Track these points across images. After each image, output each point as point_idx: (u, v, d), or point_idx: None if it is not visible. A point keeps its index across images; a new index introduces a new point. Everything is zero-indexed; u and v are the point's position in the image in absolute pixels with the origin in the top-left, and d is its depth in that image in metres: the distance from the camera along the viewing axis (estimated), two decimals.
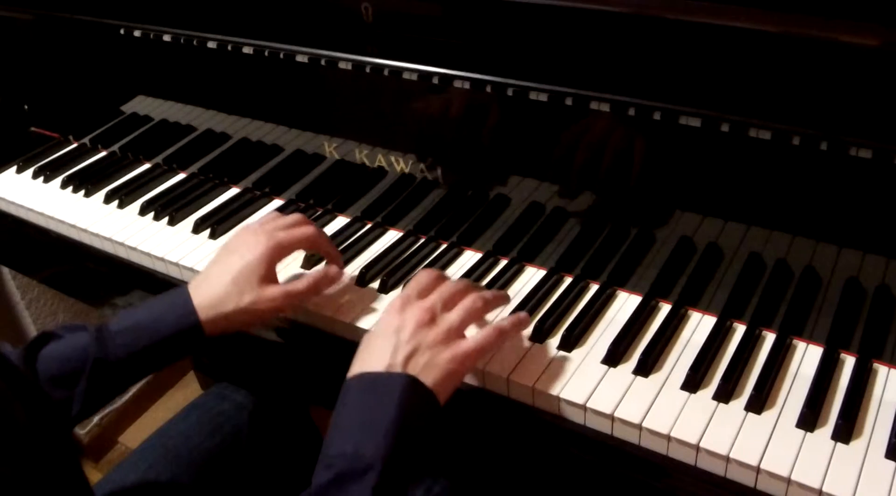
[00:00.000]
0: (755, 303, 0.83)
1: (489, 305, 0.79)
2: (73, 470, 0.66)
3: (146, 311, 0.82)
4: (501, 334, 0.76)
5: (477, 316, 0.77)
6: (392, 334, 0.73)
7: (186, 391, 1.90)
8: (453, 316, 0.75)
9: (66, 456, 0.67)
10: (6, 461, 0.54)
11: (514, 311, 0.87)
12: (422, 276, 0.80)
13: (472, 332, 0.76)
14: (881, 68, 0.67)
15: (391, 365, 0.70)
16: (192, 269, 1.00)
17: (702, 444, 0.71)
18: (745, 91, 0.74)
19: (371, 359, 0.72)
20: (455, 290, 0.78)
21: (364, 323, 0.88)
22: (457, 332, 0.74)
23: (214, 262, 0.86)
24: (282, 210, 1.10)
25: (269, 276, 0.84)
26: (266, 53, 0.98)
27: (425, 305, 0.75)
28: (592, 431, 0.76)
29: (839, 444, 0.70)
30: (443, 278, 0.81)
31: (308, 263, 0.98)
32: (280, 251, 0.85)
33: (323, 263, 0.96)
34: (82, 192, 1.18)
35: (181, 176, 1.21)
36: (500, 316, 0.87)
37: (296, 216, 0.90)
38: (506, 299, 0.83)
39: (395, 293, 0.92)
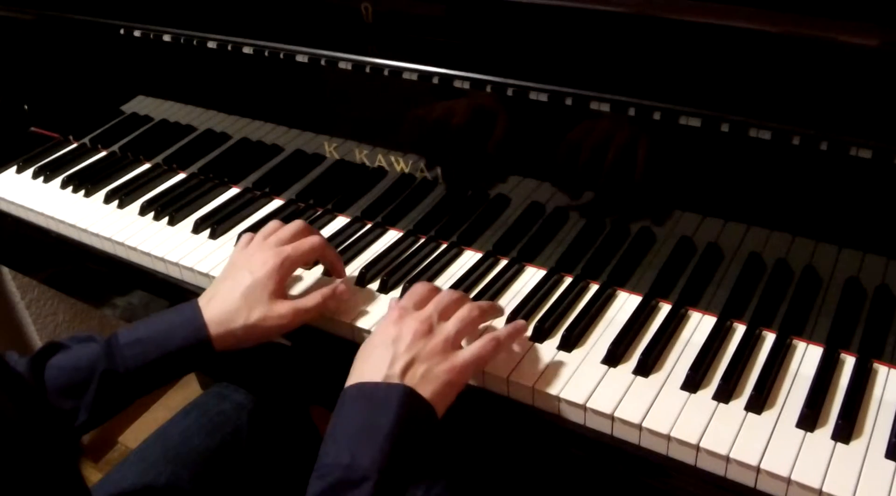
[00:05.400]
0: (755, 303, 0.83)
1: (485, 315, 0.80)
2: (71, 474, 0.66)
3: (156, 325, 0.82)
4: (498, 343, 0.77)
5: (473, 325, 0.78)
6: (389, 345, 0.74)
7: (186, 391, 1.90)
8: (450, 326, 0.76)
9: (65, 460, 0.67)
10: None
11: (514, 311, 0.87)
12: (417, 288, 0.81)
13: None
14: (881, 68, 0.67)
15: (389, 375, 0.71)
16: (192, 269, 1.00)
17: (702, 444, 0.71)
18: (745, 91, 0.74)
19: (368, 369, 0.73)
20: (450, 300, 0.79)
21: (364, 323, 0.88)
22: (453, 342, 0.75)
23: (223, 279, 0.86)
24: (282, 210, 1.10)
25: (279, 293, 0.84)
26: (266, 53, 0.98)
27: (422, 316, 0.76)
28: (592, 431, 0.76)
29: (839, 444, 0.70)
30: (437, 290, 0.82)
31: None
32: (289, 267, 0.86)
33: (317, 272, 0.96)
34: (82, 192, 1.18)
35: (181, 176, 1.21)
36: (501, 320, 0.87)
37: (297, 224, 0.91)
38: (500, 311, 0.84)
39: (395, 293, 0.92)
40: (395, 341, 0.74)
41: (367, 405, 0.70)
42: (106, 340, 0.81)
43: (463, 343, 0.77)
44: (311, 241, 0.89)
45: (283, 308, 0.83)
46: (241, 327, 0.82)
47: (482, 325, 0.83)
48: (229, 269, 0.88)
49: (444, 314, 0.77)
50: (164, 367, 0.81)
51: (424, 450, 0.71)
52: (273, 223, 0.92)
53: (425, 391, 0.71)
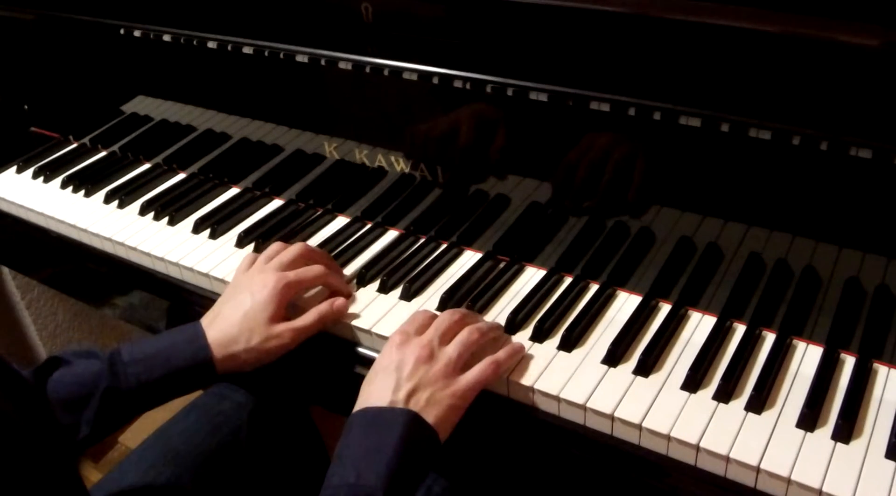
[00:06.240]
0: (755, 303, 0.83)
1: (485, 336, 0.81)
2: (70, 477, 0.66)
3: (159, 344, 0.83)
4: (498, 366, 0.78)
5: (473, 347, 0.79)
6: (393, 371, 0.75)
7: None
8: (451, 350, 0.77)
9: (65, 463, 0.67)
10: None
11: (514, 311, 0.87)
12: (418, 314, 0.83)
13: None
14: (881, 68, 0.67)
15: (393, 401, 0.73)
16: (192, 270, 1.00)
17: (702, 444, 0.71)
18: (745, 91, 0.74)
19: (374, 395, 0.74)
20: (451, 323, 0.80)
21: (364, 323, 0.88)
22: (455, 366, 0.76)
23: (225, 301, 0.87)
24: (282, 210, 1.10)
25: (278, 316, 0.85)
26: (266, 53, 0.98)
27: (423, 341, 0.77)
28: (592, 431, 0.76)
29: (839, 444, 0.70)
30: (436, 316, 0.83)
31: None
32: (289, 291, 0.86)
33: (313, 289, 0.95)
34: (82, 192, 1.18)
35: (181, 176, 1.21)
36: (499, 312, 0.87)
37: (299, 246, 0.91)
38: (501, 330, 0.85)
39: (395, 293, 0.92)
40: (398, 367, 0.75)
41: (373, 429, 0.72)
42: (108, 357, 0.82)
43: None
44: (315, 271, 0.89)
45: (280, 329, 0.84)
46: (242, 350, 0.83)
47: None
48: (231, 291, 0.88)
49: (445, 338, 0.78)
50: (167, 386, 0.82)
51: (427, 471, 0.71)
52: (275, 245, 0.93)
53: (429, 416, 0.72)
